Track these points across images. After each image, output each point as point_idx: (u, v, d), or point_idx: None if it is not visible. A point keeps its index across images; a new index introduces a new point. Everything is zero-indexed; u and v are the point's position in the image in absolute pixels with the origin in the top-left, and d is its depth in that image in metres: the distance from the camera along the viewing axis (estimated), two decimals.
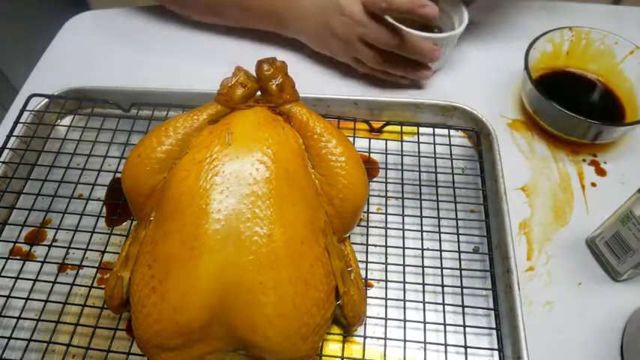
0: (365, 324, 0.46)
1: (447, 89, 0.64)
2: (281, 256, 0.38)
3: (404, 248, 0.49)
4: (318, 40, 0.65)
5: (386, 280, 0.48)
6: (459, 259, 0.49)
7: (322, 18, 0.61)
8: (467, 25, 0.61)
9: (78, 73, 0.66)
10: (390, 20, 0.58)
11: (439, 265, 0.49)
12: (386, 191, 0.54)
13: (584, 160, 0.58)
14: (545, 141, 0.60)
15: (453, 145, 0.57)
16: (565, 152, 0.59)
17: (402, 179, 0.54)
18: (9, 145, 0.56)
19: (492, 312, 0.47)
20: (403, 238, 0.50)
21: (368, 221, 0.52)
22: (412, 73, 0.62)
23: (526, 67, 0.58)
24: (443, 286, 0.48)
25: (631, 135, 0.60)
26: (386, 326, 0.46)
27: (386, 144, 0.58)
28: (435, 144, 0.56)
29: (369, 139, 0.58)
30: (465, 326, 0.45)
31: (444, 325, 0.45)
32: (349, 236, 0.47)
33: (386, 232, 0.51)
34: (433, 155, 0.56)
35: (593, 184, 0.56)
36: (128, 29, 0.72)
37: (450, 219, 0.52)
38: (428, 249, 0.50)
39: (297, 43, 0.67)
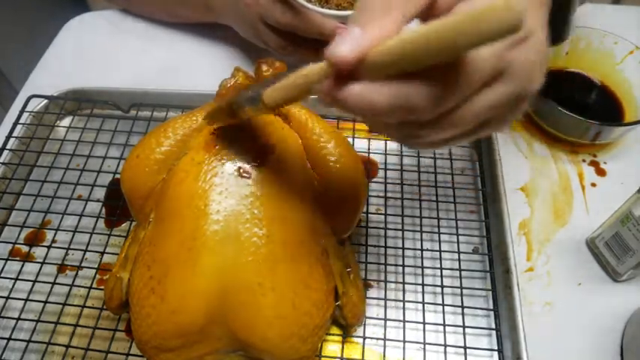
0: (364, 324, 0.46)
1: None
2: (280, 257, 0.38)
3: (403, 249, 0.49)
4: (239, 27, 0.62)
5: (385, 281, 0.48)
6: (459, 260, 0.49)
7: (236, 3, 0.58)
8: None
9: (77, 74, 0.66)
10: None
11: (438, 266, 0.49)
12: (385, 192, 0.54)
13: (583, 161, 0.58)
14: (544, 141, 0.60)
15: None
16: (565, 152, 0.59)
17: (402, 180, 0.54)
18: (8, 146, 0.56)
19: (492, 312, 0.47)
20: (402, 238, 0.50)
21: (367, 222, 0.52)
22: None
23: None
24: (442, 286, 0.48)
25: (631, 135, 0.60)
26: (385, 327, 0.46)
27: (385, 144, 0.58)
28: None
29: (369, 139, 0.58)
30: (464, 327, 0.45)
31: (444, 325, 0.45)
32: (348, 237, 0.47)
33: (385, 232, 0.51)
34: (432, 156, 0.56)
35: (593, 185, 0.56)
36: (128, 30, 0.72)
37: (450, 219, 0.52)
38: (427, 249, 0.50)
39: None
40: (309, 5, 0.52)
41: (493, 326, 0.46)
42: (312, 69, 0.26)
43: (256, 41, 0.59)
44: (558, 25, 0.38)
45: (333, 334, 0.46)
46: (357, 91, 0.23)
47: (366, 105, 0.23)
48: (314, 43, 0.54)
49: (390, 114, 0.23)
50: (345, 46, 0.23)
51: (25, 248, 0.51)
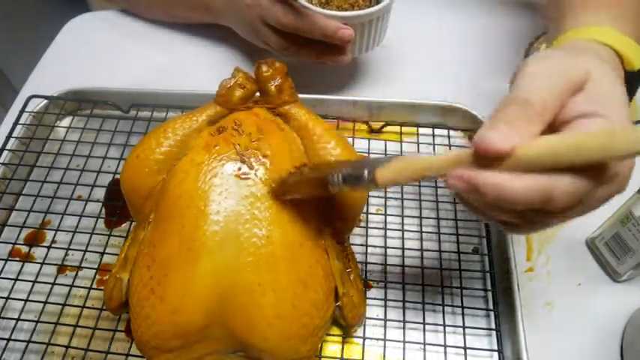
0: (364, 325, 0.46)
1: (446, 90, 0.64)
2: (280, 257, 0.37)
3: (403, 249, 0.49)
4: (238, 27, 0.63)
5: (385, 281, 0.48)
6: (459, 260, 0.49)
7: (235, 3, 0.59)
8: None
9: (77, 75, 0.66)
10: None
11: (438, 266, 0.49)
12: (385, 192, 0.54)
13: None
14: None
15: (453, 146, 0.57)
16: None
17: None
18: (8, 147, 0.56)
19: (492, 313, 0.47)
20: (403, 238, 0.50)
21: (367, 222, 0.52)
22: (324, 58, 0.55)
23: None
24: (442, 287, 0.48)
25: None
26: (385, 327, 0.46)
27: (385, 145, 0.58)
28: (434, 144, 0.56)
29: (369, 139, 0.58)
30: (464, 327, 0.45)
31: (444, 325, 0.45)
32: (348, 237, 0.47)
33: (385, 232, 0.51)
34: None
35: None
36: (128, 30, 0.72)
37: (450, 219, 0.52)
38: (427, 250, 0.50)
39: None
40: (311, 6, 0.52)
41: (493, 326, 0.46)
42: (441, 159, 0.28)
43: (257, 42, 0.60)
44: None
45: (333, 335, 0.46)
46: (496, 179, 0.26)
47: (505, 192, 0.26)
48: (316, 44, 0.54)
49: (526, 203, 0.26)
50: (498, 137, 0.26)
51: (24, 248, 0.51)
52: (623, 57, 0.38)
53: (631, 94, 0.43)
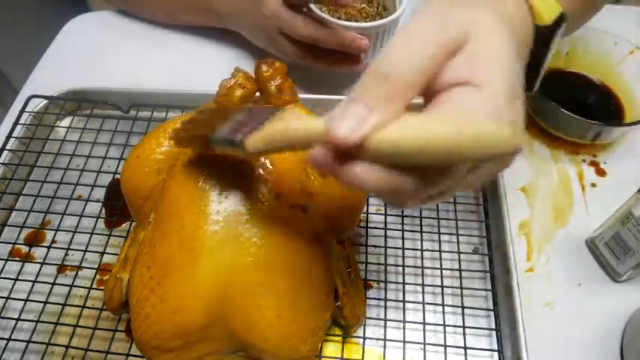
0: (364, 325, 0.46)
1: None
2: (280, 257, 0.37)
3: (403, 249, 0.49)
4: (251, 35, 0.63)
5: (385, 281, 0.48)
6: (459, 260, 0.49)
7: (248, 11, 0.59)
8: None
9: (77, 75, 0.65)
10: (314, 9, 0.54)
11: (438, 266, 0.49)
12: None
13: (583, 161, 0.58)
14: (544, 141, 0.60)
15: None
16: (565, 152, 0.59)
17: None
18: (8, 147, 0.56)
19: (492, 313, 0.47)
20: (402, 238, 0.50)
21: (367, 222, 0.52)
22: (339, 67, 0.57)
23: None
24: (442, 287, 0.48)
25: (631, 135, 0.60)
26: (385, 327, 0.46)
27: None
28: None
29: None
30: (464, 327, 0.45)
31: (444, 325, 0.45)
32: (348, 237, 0.47)
33: (385, 232, 0.51)
34: None
35: (593, 185, 0.56)
36: (128, 31, 0.72)
37: (450, 219, 0.52)
38: (427, 250, 0.50)
39: None
40: (329, 17, 0.54)
41: (493, 326, 0.46)
42: (305, 129, 0.26)
43: (271, 50, 0.60)
44: (529, 73, 0.41)
45: (333, 335, 0.46)
46: (351, 170, 0.25)
47: (357, 183, 0.25)
48: (331, 53, 0.55)
49: (378, 195, 0.26)
50: (346, 126, 0.23)
51: (25, 248, 0.51)
52: (532, 7, 0.33)
53: (545, 48, 0.38)
